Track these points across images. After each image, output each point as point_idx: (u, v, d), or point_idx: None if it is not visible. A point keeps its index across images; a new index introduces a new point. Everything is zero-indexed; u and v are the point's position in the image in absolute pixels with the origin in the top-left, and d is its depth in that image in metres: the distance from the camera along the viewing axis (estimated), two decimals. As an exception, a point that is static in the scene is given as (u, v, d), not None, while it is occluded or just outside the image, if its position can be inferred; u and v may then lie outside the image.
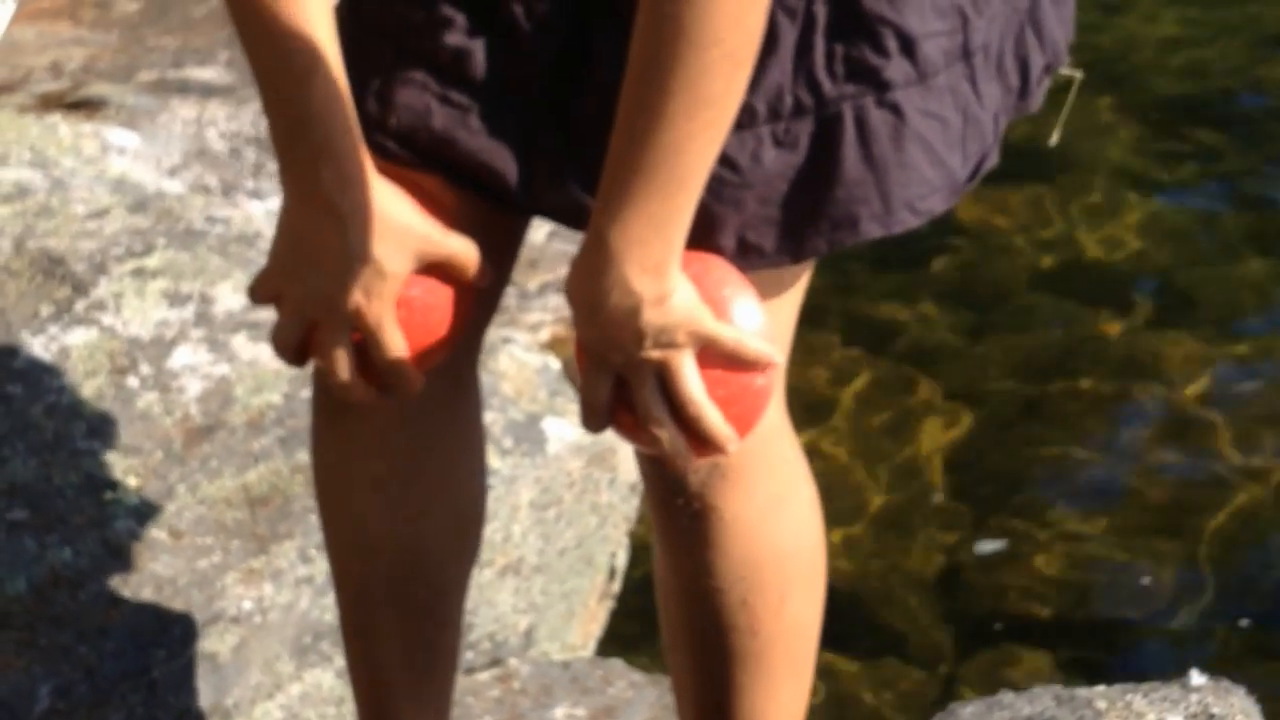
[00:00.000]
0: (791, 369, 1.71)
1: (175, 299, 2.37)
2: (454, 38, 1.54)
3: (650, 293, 1.47)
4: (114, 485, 2.17)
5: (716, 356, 1.51)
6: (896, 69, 1.52)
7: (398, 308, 1.53)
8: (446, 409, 1.71)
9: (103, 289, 2.37)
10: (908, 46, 1.52)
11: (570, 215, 1.58)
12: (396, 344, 1.54)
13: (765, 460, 1.68)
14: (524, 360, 2.40)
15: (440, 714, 1.79)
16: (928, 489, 2.92)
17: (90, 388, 2.26)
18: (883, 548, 2.80)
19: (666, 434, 1.52)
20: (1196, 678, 2.16)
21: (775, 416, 1.67)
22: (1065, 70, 1.64)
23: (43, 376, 2.26)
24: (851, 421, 3.01)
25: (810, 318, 1.73)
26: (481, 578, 2.26)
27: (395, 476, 1.70)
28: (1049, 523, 2.87)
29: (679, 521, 1.69)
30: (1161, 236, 3.48)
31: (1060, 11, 1.64)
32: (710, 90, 1.42)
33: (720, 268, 1.53)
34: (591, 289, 1.47)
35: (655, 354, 1.49)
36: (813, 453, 2.90)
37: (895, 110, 1.53)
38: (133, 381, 2.28)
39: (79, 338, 2.31)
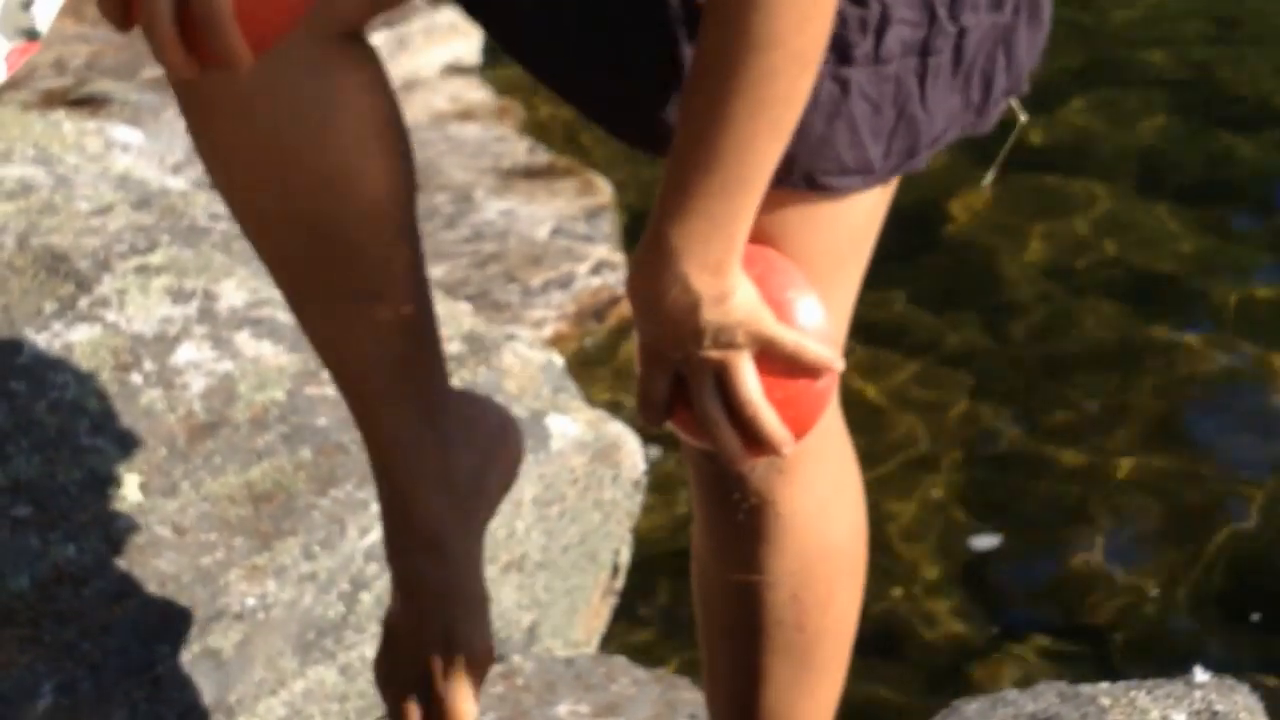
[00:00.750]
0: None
1: (179, 296, 2.37)
2: None
3: (710, 291, 1.46)
4: (117, 482, 2.17)
5: (776, 358, 1.50)
6: (864, 46, 1.51)
7: None
8: (325, 76, 1.54)
9: (106, 286, 2.37)
10: (882, 26, 1.51)
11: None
12: (221, 7, 1.36)
13: (822, 456, 1.68)
14: (527, 357, 2.40)
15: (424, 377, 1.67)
16: (930, 485, 2.92)
17: (93, 384, 2.26)
18: (886, 544, 2.80)
19: (722, 433, 1.51)
20: (1200, 675, 2.16)
21: (831, 413, 1.67)
22: (1015, 104, 1.62)
23: (46, 373, 2.27)
24: (851, 418, 3.00)
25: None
26: (485, 574, 2.26)
27: (259, 146, 1.54)
28: (1053, 518, 2.87)
29: (732, 516, 1.68)
30: (1171, 235, 3.48)
31: (1033, 37, 1.61)
32: (773, 92, 1.41)
33: (785, 269, 1.51)
34: (651, 286, 1.47)
35: (714, 353, 1.48)
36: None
37: (843, 87, 1.51)
38: (136, 378, 2.28)
39: (82, 334, 2.31)
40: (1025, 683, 2.28)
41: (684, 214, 1.44)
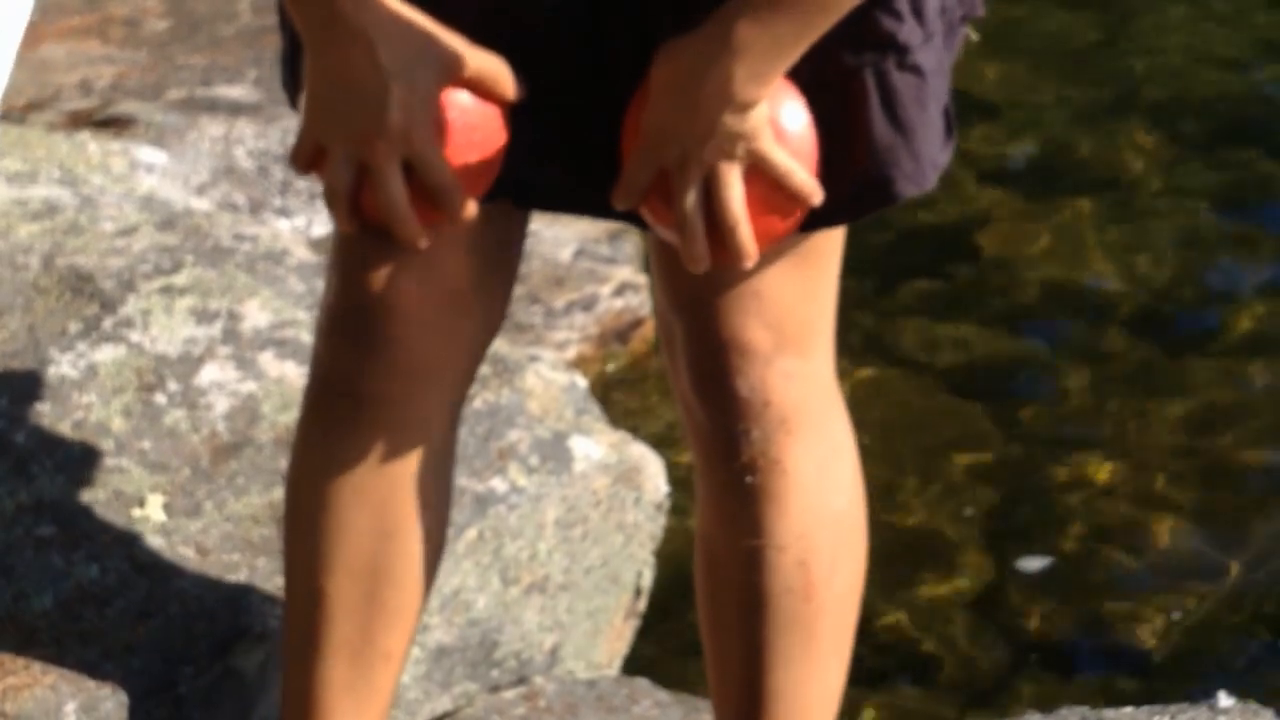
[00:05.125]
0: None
1: (203, 316, 2.37)
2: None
3: (742, 96, 1.51)
4: (141, 502, 2.17)
5: (760, 177, 1.55)
6: (911, 32, 1.56)
7: (438, 131, 1.55)
8: (439, 439, 1.73)
9: (130, 306, 2.38)
10: (918, 8, 1.56)
11: (570, 200, 1.64)
12: (442, 163, 1.55)
13: (823, 416, 1.72)
14: (550, 378, 2.40)
15: None
16: (955, 511, 2.91)
17: (118, 405, 2.27)
18: (915, 564, 2.79)
19: (696, 234, 1.56)
20: (1225, 700, 2.15)
21: (826, 375, 1.71)
22: (970, 29, 1.67)
23: (70, 393, 2.27)
24: (883, 440, 3.00)
25: (838, 335, 1.73)
26: (507, 596, 2.26)
27: (380, 493, 1.72)
28: (1076, 544, 2.86)
29: (737, 480, 1.72)
30: (1191, 253, 3.47)
31: None
32: None
33: (784, 89, 1.56)
34: (693, 68, 1.52)
35: (709, 157, 1.54)
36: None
37: (917, 71, 1.57)
38: (160, 399, 2.28)
39: (107, 355, 2.32)
40: (1048, 706, 2.27)
41: (757, 21, 1.49)
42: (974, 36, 1.70)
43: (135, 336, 2.34)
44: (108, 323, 2.36)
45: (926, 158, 1.59)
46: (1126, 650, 2.70)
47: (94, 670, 2.02)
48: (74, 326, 2.35)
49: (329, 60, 1.54)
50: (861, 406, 3.02)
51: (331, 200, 1.58)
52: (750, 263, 1.57)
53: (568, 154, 1.61)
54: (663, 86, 1.53)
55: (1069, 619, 2.75)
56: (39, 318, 2.36)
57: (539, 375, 2.39)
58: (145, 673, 2.03)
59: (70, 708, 1.99)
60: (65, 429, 2.23)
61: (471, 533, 2.22)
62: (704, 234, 1.56)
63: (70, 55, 3.34)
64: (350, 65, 1.53)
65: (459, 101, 1.56)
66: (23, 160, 2.71)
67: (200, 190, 3.02)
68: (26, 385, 2.27)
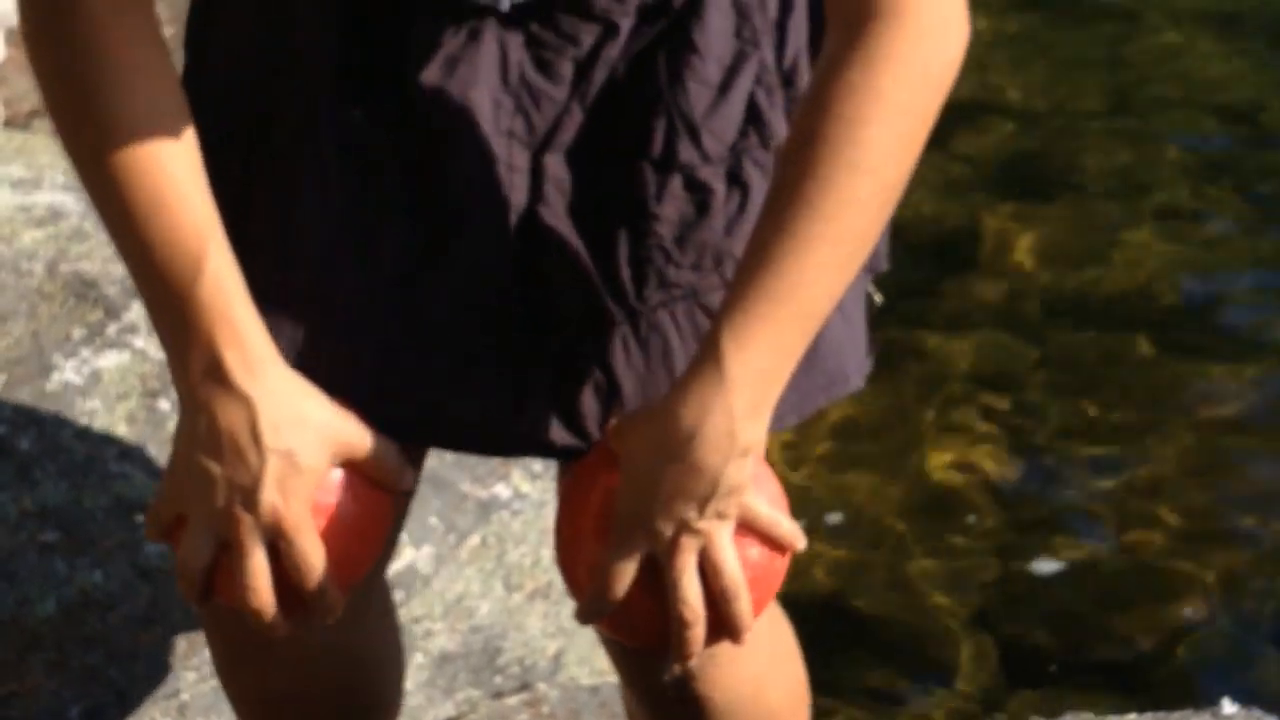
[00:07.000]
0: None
1: (207, 322, 2.38)
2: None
3: (745, 436, 1.34)
4: (144, 508, 2.17)
5: (745, 535, 1.37)
6: None
7: (315, 516, 1.36)
8: (363, 619, 1.63)
9: (135, 312, 2.38)
10: None
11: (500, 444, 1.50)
12: (317, 554, 1.36)
13: (755, 636, 1.47)
14: (554, 385, 2.40)
15: None
16: (961, 516, 2.91)
17: (121, 411, 2.27)
18: (916, 573, 2.79)
19: (696, 620, 1.36)
20: (1229, 707, 2.15)
21: None
22: (871, 286, 1.60)
23: (74, 399, 2.27)
24: (888, 444, 3.00)
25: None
26: (511, 602, 2.26)
27: (331, 673, 1.65)
28: (1081, 550, 2.86)
29: (665, 709, 1.61)
30: (1195, 258, 3.48)
31: None
32: (858, 221, 1.33)
33: None
34: (693, 423, 1.33)
35: (705, 525, 1.34)
36: (853, 482, 2.90)
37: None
38: (164, 405, 2.28)
39: (111, 361, 2.32)
40: (1051, 713, 2.27)
41: (749, 343, 1.32)
42: (878, 298, 1.62)
43: (139, 343, 2.35)
44: (111, 329, 2.36)
45: (861, 354, 1.51)
46: (1131, 656, 2.70)
47: (97, 675, 2.02)
48: (78, 333, 2.36)
49: (204, 421, 1.34)
50: (867, 412, 3.03)
51: (182, 575, 1.37)
52: (746, 637, 1.37)
53: (498, 387, 1.43)
54: (645, 456, 1.34)
55: (1074, 624, 2.75)
56: (43, 324, 2.37)
57: (542, 381, 2.40)
58: (149, 678, 2.03)
59: (74, 712, 2.00)
60: (69, 435, 2.23)
61: (474, 539, 2.22)
62: (703, 617, 1.35)
63: None
64: (228, 431, 1.33)
65: (344, 485, 1.38)
66: (27, 167, 2.72)
67: (204, 197, 3.02)
68: (30, 391, 2.28)
